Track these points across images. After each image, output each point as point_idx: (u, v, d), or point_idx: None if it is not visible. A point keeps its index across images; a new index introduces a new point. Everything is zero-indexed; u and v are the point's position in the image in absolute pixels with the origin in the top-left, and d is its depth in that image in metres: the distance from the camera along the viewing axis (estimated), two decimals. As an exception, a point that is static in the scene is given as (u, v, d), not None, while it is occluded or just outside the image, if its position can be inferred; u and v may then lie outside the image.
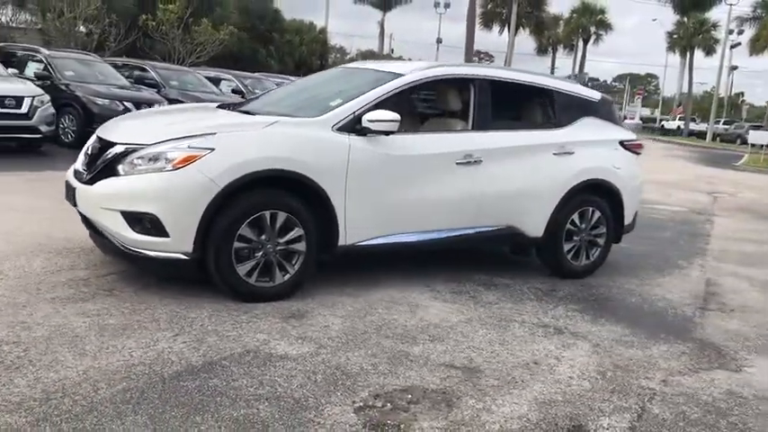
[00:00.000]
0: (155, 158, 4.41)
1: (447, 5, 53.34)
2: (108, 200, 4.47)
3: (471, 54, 27.42)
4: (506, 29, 31.16)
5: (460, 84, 5.62)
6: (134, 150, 4.50)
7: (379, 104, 5.04)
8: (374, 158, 4.91)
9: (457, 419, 3.26)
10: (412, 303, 4.96)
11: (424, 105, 6.24)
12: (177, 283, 4.72)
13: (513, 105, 6.01)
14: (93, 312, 4.18)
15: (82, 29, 21.77)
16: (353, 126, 4.86)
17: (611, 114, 6.41)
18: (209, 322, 4.20)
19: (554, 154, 5.79)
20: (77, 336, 3.80)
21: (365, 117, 4.83)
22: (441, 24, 64.49)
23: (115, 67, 14.25)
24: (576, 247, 6.04)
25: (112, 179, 4.49)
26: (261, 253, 4.59)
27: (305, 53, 48.45)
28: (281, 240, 4.65)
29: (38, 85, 10.98)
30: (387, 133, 4.87)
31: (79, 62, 13.14)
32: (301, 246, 4.72)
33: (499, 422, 3.27)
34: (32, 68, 12.86)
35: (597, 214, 6.09)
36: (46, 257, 5.17)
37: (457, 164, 5.28)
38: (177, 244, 4.39)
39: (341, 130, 4.84)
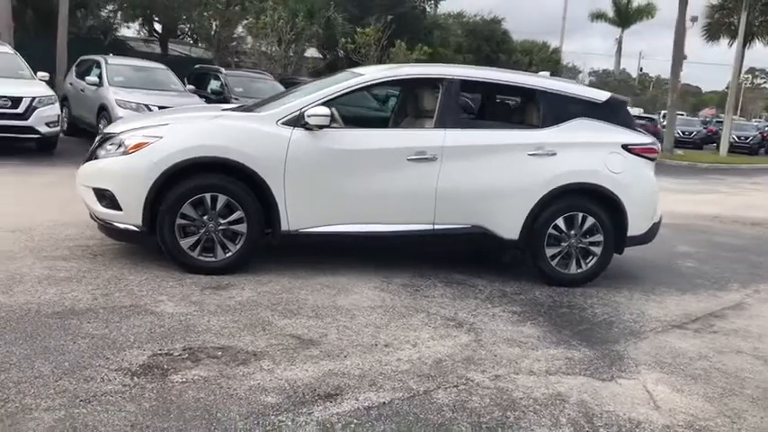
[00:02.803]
0: (118, 144, 5.27)
1: (694, 19, 49.50)
2: (86, 178, 5.41)
3: (679, 67, 25.44)
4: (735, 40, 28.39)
5: (427, 84, 5.76)
6: (109, 138, 5.41)
7: (330, 102, 5.43)
8: (315, 151, 5.30)
9: (231, 374, 3.58)
10: (346, 290, 5.23)
11: (389, 104, 6.42)
12: (158, 256, 5.42)
13: (489, 105, 5.97)
14: (59, 267, 5.11)
15: (291, 53, 24.25)
16: (299, 121, 5.30)
17: (618, 117, 6.02)
18: (134, 284, 4.91)
19: (529, 154, 5.65)
20: (22, 280, 4.72)
21: (306, 112, 5.25)
22: (686, 39, 59.65)
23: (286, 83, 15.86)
24: (562, 253, 5.79)
25: (92, 161, 5.43)
26: (203, 231, 5.21)
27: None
28: (223, 221, 5.22)
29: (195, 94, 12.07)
30: (320, 127, 5.23)
31: (249, 80, 14.91)
32: (242, 227, 5.25)
33: (266, 381, 3.53)
34: (214, 85, 14.85)
35: (590, 221, 5.78)
36: (74, 228, 6.26)
37: (408, 160, 5.44)
38: (129, 217, 5.18)
39: (287, 124, 5.31)
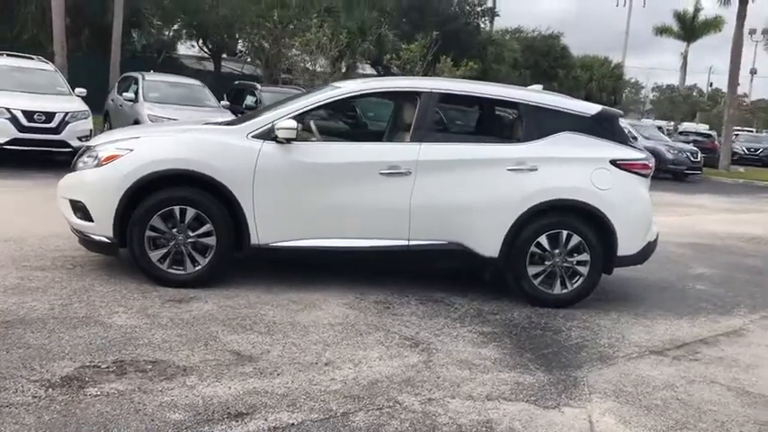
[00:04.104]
0: (93, 157, 5.34)
1: (752, 32, 47.74)
2: (63, 190, 5.50)
3: (736, 81, 24.44)
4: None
5: (404, 97, 5.66)
6: (87, 150, 5.49)
7: (303, 115, 5.38)
8: (285, 164, 5.24)
9: (149, 389, 3.53)
10: (313, 305, 5.13)
11: (367, 117, 6.32)
12: (135, 269, 5.43)
13: (468, 119, 5.81)
14: (33, 277, 5.19)
15: (343, 69, 24.51)
16: (269, 134, 5.26)
17: (609, 131, 5.75)
18: (98, 295, 4.93)
19: (509, 169, 5.46)
20: (-11, 289, 4.82)
21: (275, 126, 5.21)
22: (756, 53, 57.75)
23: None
24: (546, 272, 5.56)
25: (71, 173, 5.52)
26: (172, 243, 5.21)
27: (594, 89, 47.33)
28: (192, 234, 5.22)
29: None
30: (288, 140, 5.17)
31: (283, 95, 15.02)
32: (212, 240, 5.24)
33: (181, 397, 3.46)
34: (249, 101, 15.08)
35: (576, 239, 5.53)
36: (66, 240, 6.36)
37: (381, 174, 5.33)
38: (101, 228, 5.23)
39: (257, 137, 5.28)
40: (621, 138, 5.84)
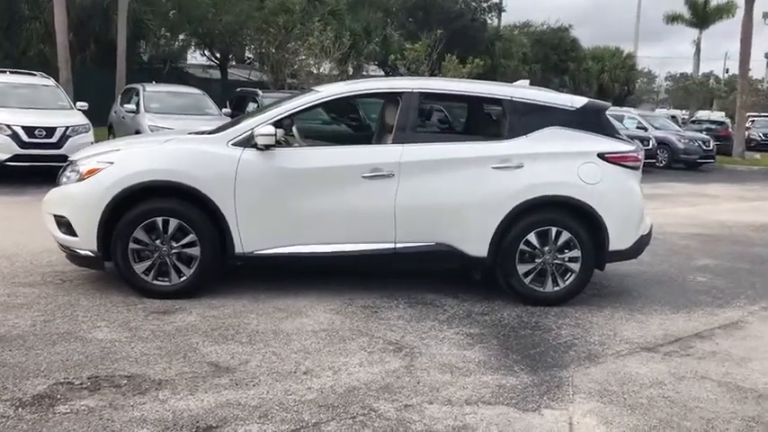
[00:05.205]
0: (75, 171, 5.33)
1: (766, 15, 47.02)
2: (48, 205, 5.50)
3: (746, 67, 24.06)
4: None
5: (386, 98, 5.59)
6: (70, 164, 5.48)
7: (282, 120, 5.34)
8: (265, 171, 5.20)
9: (121, 404, 3.49)
10: (299, 312, 5.08)
11: (349, 120, 6.25)
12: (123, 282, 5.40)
13: (452, 118, 5.72)
14: (20, 293, 5.20)
15: (350, 70, 24.49)
16: (249, 141, 5.22)
17: (596, 124, 5.64)
18: (83, 310, 4.92)
19: (493, 167, 5.37)
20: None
21: (254, 132, 5.17)
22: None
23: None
24: (537, 270, 5.47)
25: (55, 188, 5.51)
26: (157, 255, 5.19)
27: (606, 80, 46.94)
28: (176, 245, 5.19)
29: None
30: (267, 147, 5.13)
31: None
32: (196, 251, 5.20)
33: (152, 412, 3.42)
34: (251, 107, 15.08)
35: (566, 235, 5.43)
36: (59, 255, 6.36)
37: (363, 177, 5.26)
38: (85, 242, 5.22)
39: (237, 144, 5.24)
40: (609, 130, 5.73)
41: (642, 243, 5.74)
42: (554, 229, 5.42)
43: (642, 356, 4.55)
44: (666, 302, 5.85)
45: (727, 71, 67.20)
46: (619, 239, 5.53)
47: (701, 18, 49.10)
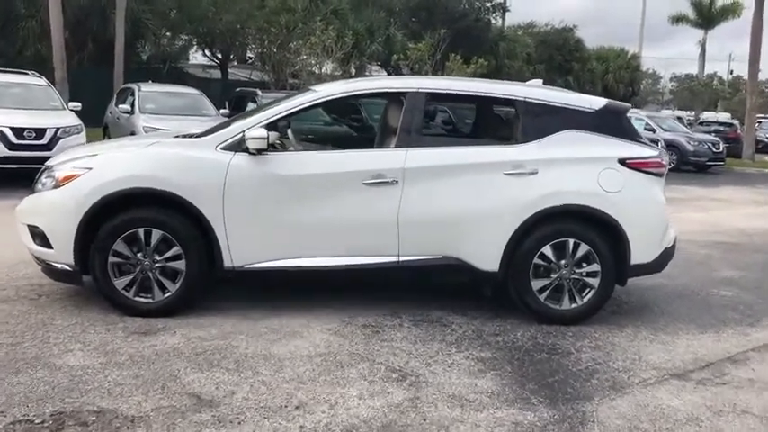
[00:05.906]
0: (51, 177, 4.89)
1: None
2: (22, 214, 5.06)
3: (756, 68, 23.57)
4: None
5: (389, 98, 5.15)
6: (46, 170, 5.05)
7: (277, 122, 4.91)
8: (258, 178, 4.76)
9: (86, 447, 3.06)
10: (293, 333, 4.64)
11: (350, 122, 5.81)
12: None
13: (460, 120, 5.27)
14: (-11, 312, 4.76)
15: (353, 70, 24.09)
16: (240, 145, 4.78)
17: (616, 127, 5.19)
18: (56, 330, 4.48)
19: (505, 174, 4.92)
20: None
21: (245, 135, 4.73)
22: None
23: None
24: (553, 285, 5.02)
25: (29, 196, 5.08)
26: (138, 269, 4.75)
27: (610, 81, 46.45)
28: (159, 258, 4.75)
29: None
30: (259, 151, 4.69)
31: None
32: (181, 264, 4.76)
33: (120, 457, 2.99)
34: (250, 107, 14.66)
35: (584, 248, 4.99)
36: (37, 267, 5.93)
37: (364, 184, 4.82)
38: (61, 255, 4.78)
39: (227, 148, 4.80)
40: (631, 134, 5.28)
41: (667, 256, 5.29)
42: (571, 242, 4.98)
43: (673, 385, 4.10)
44: (691, 320, 5.40)
45: (731, 72, 66.60)
46: (641, 252, 5.08)
47: (707, 19, 48.54)
